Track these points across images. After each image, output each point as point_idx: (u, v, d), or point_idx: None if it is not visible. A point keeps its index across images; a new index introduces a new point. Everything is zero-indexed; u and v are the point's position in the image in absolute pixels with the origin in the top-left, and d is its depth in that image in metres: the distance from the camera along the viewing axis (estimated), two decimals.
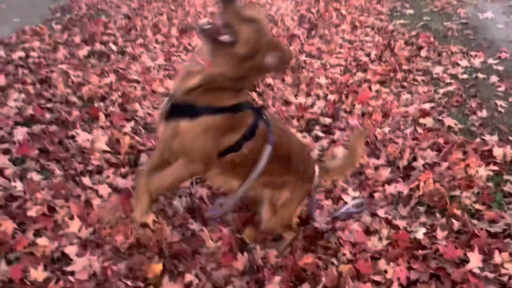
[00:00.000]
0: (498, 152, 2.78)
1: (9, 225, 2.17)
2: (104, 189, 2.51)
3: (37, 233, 2.21)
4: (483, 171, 2.67)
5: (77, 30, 4.57)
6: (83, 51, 4.04)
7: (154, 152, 2.20)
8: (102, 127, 3.07)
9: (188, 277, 2.09)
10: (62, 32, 4.51)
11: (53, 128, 2.95)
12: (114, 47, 4.24)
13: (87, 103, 3.36)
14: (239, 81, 1.79)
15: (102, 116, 3.17)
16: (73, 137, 2.89)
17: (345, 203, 2.57)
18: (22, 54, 3.84)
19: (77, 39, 4.30)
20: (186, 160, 1.84)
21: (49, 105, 3.19)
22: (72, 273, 2.03)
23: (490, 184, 2.59)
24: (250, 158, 1.92)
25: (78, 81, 3.53)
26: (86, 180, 2.56)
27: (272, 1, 6.65)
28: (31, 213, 2.28)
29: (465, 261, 2.13)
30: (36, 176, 2.52)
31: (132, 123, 3.18)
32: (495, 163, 2.73)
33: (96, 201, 2.40)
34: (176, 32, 4.84)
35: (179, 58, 4.33)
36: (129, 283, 2.00)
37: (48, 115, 3.07)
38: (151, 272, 2.04)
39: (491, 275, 2.02)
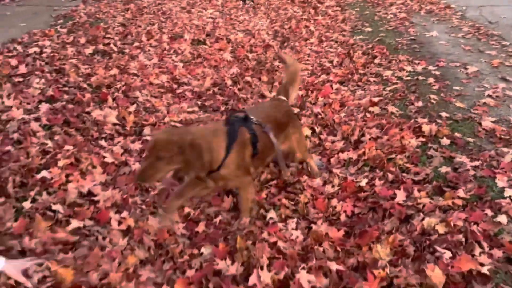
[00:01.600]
0: (426, 128, 3.58)
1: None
2: (117, 149, 3.15)
3: (67, 177, 2.83)
4: (414, 142, 3.44)
5: (81, 33, 5.25)
6: (88, 50, 4.71)
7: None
8: (110, 107, 3.72)
9: (186, 209, 2.75)
10: (68, 34, 5.18)
11: (70, 106, 3.59)
12: (114, 48, 4.92)
13: (96, 89, 4.01)
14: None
15: (110, 99, 3.83)
16: (88, 112, 3.54)
17: None
18: (37, 49, 4.48)
19: (82, 40, 4.97)
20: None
21: (65, 88, 3.83)
22: (98, 202, 2.66)
23: (418, 150, 3.37)
24: (267, 145, 2.68)
25: (87, 72, 4.18)
26: (102, 143, 3.20)
27: (249, 19, 7.47)
28: (61, 163, 2.90)
29: (394, 198, 2.87)
30: (62, 138, 3.14)
31: (134, 106, 3.84)
32: (423, 136, 3.52)
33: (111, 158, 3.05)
34: (167, 38, 5.57)
35: (171, 59, 5.04)
36: (143, 207, 2.65)
37: (65, 96, 3.70)
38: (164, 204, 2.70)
39: (410, 203, 2.76)
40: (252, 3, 8.56)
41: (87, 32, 5.31)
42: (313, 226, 2.63)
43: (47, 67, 4.12)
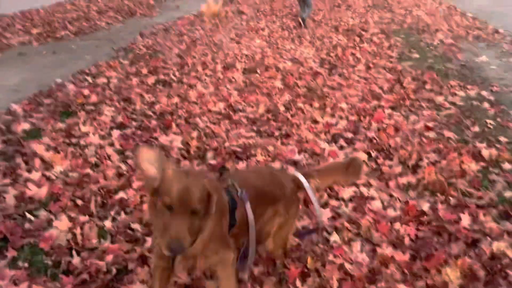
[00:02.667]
0: (485, 152, 3.57)
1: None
2: None
3: (141, 198, 3.02)
4: (474, 166, 3.44)
5: (142, 64, 5.62)
6: (151, 80, 5.03)
7: None
8: (175, 133, 3.95)
9: None
10: (131, 66, 5.55)
11: (139, 132, 3.84)
12: (174, 78, 5.23)
13: (160, 116, 4.27)
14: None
15: (173, 126, 4.06)
16: (156, 138, 3.77)
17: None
18: (104, 80, 4.84)
19: (144, 71, 5.32)
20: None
21: (133, 116, 4.10)
22: None
23: (479, 174, 3.36)
24: (243, 223, 2.01)
25: (151, 100, 4.47)
26: None
27: (296, 48, 7.70)
28: (135, 185, 3.11)
29: (458, 222, 2.87)
30: (134, 162, 3.37)
31: (196, 132, 4.05)
32: (484, 161, 3.51)
33: None
34: (220, 68, 5.85)
35: (225, 88, 5.29)
36: None
37: (134, 123, 3.97)
38: None
39: (477, 227, 2.75)
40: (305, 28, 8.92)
41: (148, 63, 5.68)
42: (378, 249, 2.67)
43: (115, 96, 4.44)
